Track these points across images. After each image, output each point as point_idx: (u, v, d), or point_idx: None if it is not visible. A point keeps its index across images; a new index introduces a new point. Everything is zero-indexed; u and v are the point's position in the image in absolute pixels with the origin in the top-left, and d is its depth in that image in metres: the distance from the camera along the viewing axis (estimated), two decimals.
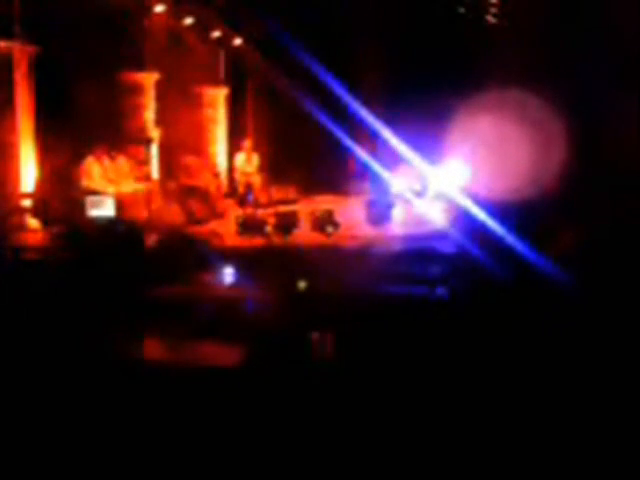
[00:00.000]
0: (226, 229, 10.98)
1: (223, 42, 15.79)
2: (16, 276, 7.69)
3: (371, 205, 11.64)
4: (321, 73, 13.75)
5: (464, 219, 10.27)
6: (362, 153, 13.75)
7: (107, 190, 10.45)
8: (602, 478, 3.82)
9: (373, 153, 15.77)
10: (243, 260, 8.46)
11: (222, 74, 16.29)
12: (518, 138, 11.04)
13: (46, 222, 9.92)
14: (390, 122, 14.06)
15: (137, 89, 12.85)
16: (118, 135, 12.04)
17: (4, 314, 6.37)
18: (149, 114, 12.95)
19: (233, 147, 15.66)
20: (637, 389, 4.70)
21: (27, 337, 5.88)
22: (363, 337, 5.89)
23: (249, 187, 13.66)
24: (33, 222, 10.11)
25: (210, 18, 14.68)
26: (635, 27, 10.21)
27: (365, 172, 15.38)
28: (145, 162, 12.43)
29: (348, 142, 14.34)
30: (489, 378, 4.96)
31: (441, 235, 10.00)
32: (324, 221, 10.35)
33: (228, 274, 7.97)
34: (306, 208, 11.63)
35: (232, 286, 7.84)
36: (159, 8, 12.99)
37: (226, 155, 16.07)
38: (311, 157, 16.58)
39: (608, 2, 11.06)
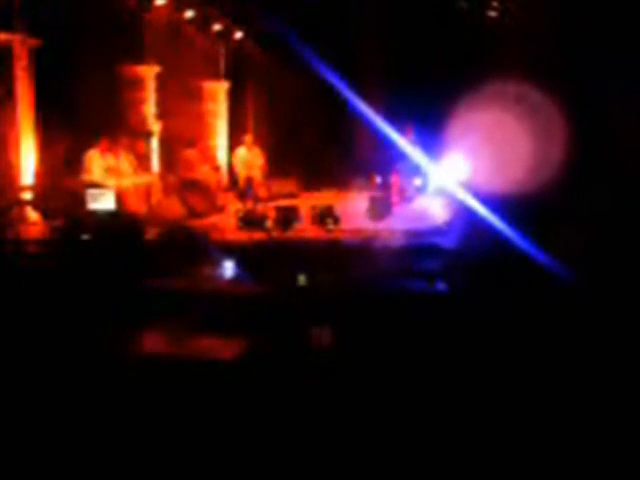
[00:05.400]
0: (226, 223, 10.97)
1: (224, 35, 15.77)
2: (16, 269, 7.70)
3: (372, 200, 11.65)
4: (322, 66, 13.73)
5: (464, 214, 10.27)
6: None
7: (107, 183, 10.44)
8: (602, 477, 3.82)
9: (372, 148, 15.78)
10: (243, 254, 8.46)
11: (223, 68, 16.26)
12: (519, 133, 11.03)
13: (46, 215, 9.92)
14: (391, 116, 14.04)
15: (137, 82, 12.83)
16: (118, 128, 12.02)
17: (4, 307, 6.37)
18: (149, 107, 12.94)
19: (233, 141, 15.64)
20: (637, 383, 4.71)
21: (27, 329, 5.88)
22: (363, 332, 5.89)
23: (249, 181, 13.64)
24: (33, 215, 10.10)
25: (211, 11, 14.66)
26: (636, 20, 10.19)
27: (369, 167, 15.38)
28: (145, 155, 12.43)
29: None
30: (488, 372, 4.96)
31: (441, 230, 10.00)
32: (324, 215, 10.34)
33: (228, 268, 7.97)
34: (306, 202, 11.63)
35: (232, 280, 7.85)
36: (160, 1, 12.97)
37: (226, 149, 16.06)
38: (311, 151, 16.58)
39: None
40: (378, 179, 14.31)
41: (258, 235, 9.84)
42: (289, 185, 14.84)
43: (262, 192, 13.48)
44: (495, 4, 14.42)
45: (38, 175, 10.42)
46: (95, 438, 4.19)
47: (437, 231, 9.93)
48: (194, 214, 11.68)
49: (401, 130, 13.98)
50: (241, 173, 13.89)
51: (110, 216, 9.67)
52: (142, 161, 11.90)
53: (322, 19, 15.47)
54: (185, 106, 14.61)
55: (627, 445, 4.01)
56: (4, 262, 7.93)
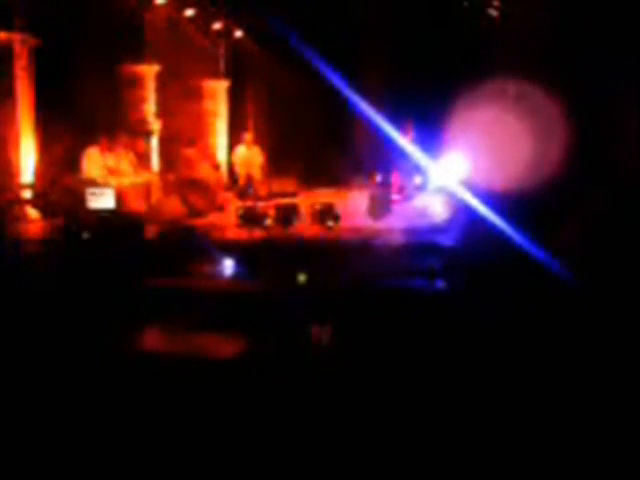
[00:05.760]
0: (226, 221, 10.97)
1: (224, 34, 15.77)
2: (16, 267, 7.70)
3: (372, 198, 11.65)
4: (322, 66, 13.73)
5: (464, 212, 10.27)
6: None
7: (107, 182, 10.44)
8: (602, 477, 3.82)
9: (372, 146, 15.78)
10: (243, 252, 8.46)
11: (222, 67, 16.26)
12: (519, 131, 11.03)
13: (46, 213, 9.92)
14: (391, 114, 14.04)
15: (137, 81, 12.84)
16: (118, 127, 12.03)
17: (4, 306, 6.37)
18: (149, 106, 12.95)
19: (233, 139, 15.65)
20: (637, 383, 4.71)
21: (27, 329, 5.89)
22: (362, 330, 5.90)
23: (249, 179, 13.66)
24: (33, 213, 10.11)
25: (211, 10, 14.66)
26: (636, 19, 10.19)
27: (369, 165, 15.38)
28: (145, 154, 12.43)
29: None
30: (487, 371, 4.97)
31: (441, 228, 10.00)
32: (324, 214, 10.34)
33: (228, 266, 7.98)
34: (306, 201, 11.62)
35: (232, 278, 7.85)
36: (160, 0, 12.97)
37: (226, 147, 16.06)
38: (311, 150, 16.58)
39: None
40: (378, 177, 14.30)
41: (258, 233, 9.84)
42: (289, 183, 14.83)
43: (262, 190, 13.49)
44: (495, 3, 14.40)
45: (38, 174, 10.43)
46: (95, 436, 4.20)
47: (437, 229, 9.93)
48: (194, 213, 11.67)
49: (401, 128, 13.98)
50: (241, 172, 13.90)
51: (110, 215, 9.67)
52: (142, 160, 11.90)
53: (322, 18, 15.46)
54: (185, 105, 14.61)
55: (627, 445, 4.01)
56: (4, 261, 7.93)
